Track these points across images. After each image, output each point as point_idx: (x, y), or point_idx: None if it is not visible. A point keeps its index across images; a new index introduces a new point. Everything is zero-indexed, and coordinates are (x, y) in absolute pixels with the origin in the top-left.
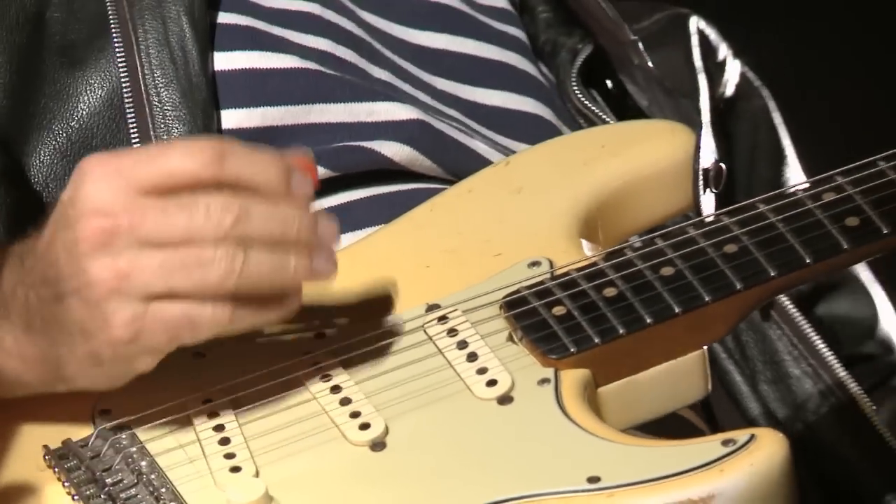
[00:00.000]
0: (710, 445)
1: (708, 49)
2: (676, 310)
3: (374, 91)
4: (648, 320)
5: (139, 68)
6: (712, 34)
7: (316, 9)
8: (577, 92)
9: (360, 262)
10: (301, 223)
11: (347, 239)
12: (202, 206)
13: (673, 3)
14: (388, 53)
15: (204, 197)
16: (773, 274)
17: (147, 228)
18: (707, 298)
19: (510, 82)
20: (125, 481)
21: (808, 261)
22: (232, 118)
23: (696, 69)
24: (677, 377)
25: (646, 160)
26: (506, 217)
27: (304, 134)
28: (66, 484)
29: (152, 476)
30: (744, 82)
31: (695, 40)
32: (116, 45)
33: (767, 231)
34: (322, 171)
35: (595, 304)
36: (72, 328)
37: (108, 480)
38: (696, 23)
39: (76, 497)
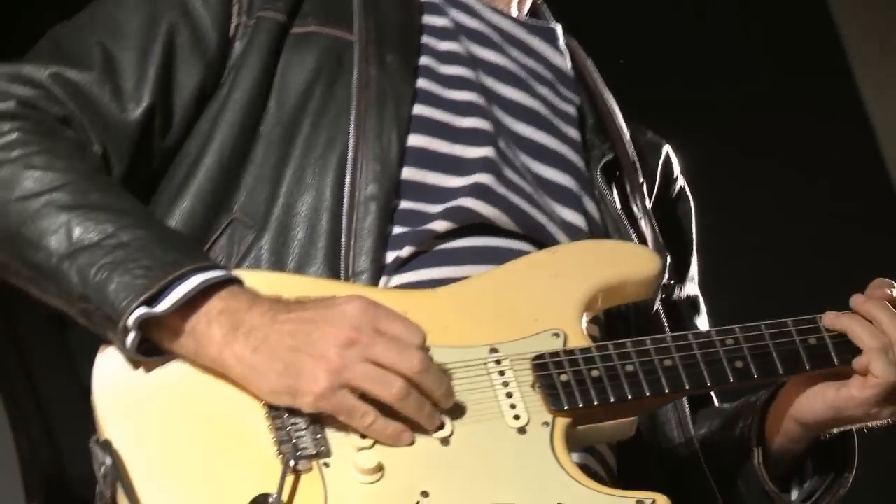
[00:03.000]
0: (629, 501)
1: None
2: (629, 395)
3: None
4: (612, 399)
5: (360, 160)
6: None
7: (474, 97)
8: (598, 178)
9: (456, 301)
10: (442, 391)
11: (452, 271)
12: (407, 354)
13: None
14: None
15: (411, 350)
16: (686, 387)
17: (371, 351)
18: (647, 393)
19: (556, 162)
20: (300, 424)
21: (708, 383)
22: (407, 173)
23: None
24: (621, 427)
25: (634, 272)
26: (544, 293)
27: (436, 191)
28: (266, 415)
29: (316, 425)
30: (682, 191)
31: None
32: (350, 143)
33: (690, 357)
34: (448, 225)
35: (584, 379)
36: (289, 369)
37: (290, 421)
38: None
39: (269, 427)
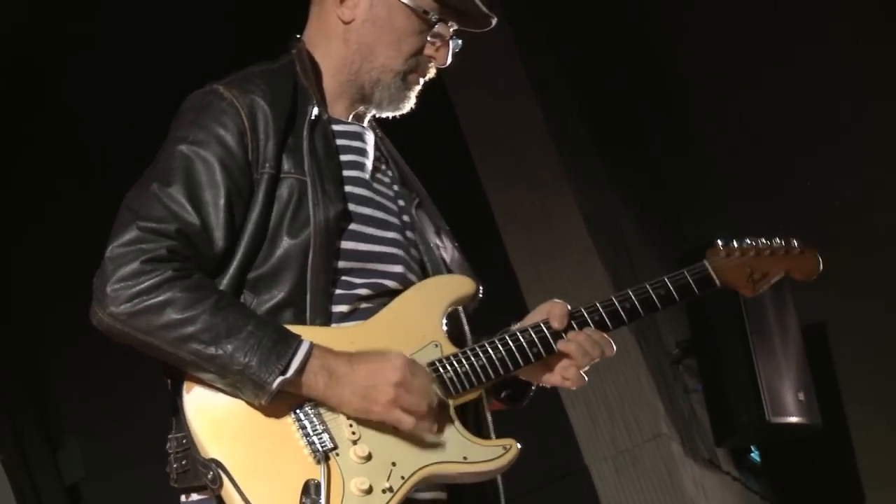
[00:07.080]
0: (497, 449)
1: None
2: (483, 380)
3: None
4: (475, 384)
5: (315, 251)
6: None
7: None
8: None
9: (379, 328)
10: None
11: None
12: (431, 392)
13: None
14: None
15: (431, 390)
16: (511, 368)
17: (411, 388)
18: (492, 376)
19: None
20: (317, 429)
21: (521, 363)
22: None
23: None
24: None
25: (465, 293)
26: (422, 317)
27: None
28: (293, 424)
29: (325, 430)
30: None
31: None
32: (311, 241)
33: (507, 347)
34: (368, 292)
35: (459, 374)
36: (366, 398)
37: (308, 428)
38: None
39: (297, 433)
